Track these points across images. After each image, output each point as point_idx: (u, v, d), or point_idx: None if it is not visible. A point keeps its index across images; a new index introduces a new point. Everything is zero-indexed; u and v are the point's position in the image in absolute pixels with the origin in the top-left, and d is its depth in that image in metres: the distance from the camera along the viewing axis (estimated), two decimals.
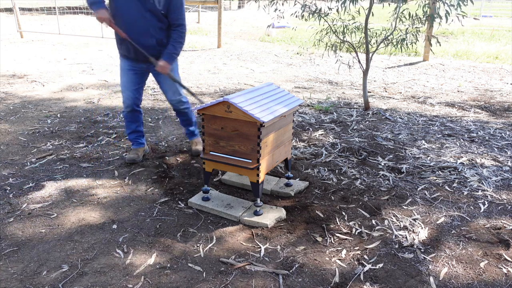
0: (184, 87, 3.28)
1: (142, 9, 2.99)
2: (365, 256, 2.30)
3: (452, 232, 2.54)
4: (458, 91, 6.22)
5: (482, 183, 3.17)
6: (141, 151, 3.53)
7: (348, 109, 5.11)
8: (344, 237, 2.48)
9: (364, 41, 4.92)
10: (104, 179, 3.18)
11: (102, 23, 3.01)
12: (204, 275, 2.13)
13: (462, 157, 3.66)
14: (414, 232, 2.53)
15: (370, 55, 4.94)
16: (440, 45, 4.65)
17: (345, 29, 5.01)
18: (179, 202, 2.86)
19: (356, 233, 2.52)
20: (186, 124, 3.59)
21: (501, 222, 2.65)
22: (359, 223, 2.63)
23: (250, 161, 2.55)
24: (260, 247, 2.37)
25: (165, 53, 3.10)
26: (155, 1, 2.99)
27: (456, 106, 5.37)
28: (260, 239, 2.46)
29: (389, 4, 4.84)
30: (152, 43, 3.08)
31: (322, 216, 2.70)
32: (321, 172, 3.34)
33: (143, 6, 2.98)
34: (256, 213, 2.63)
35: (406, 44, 4.73)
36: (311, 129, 4.37)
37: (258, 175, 2.56)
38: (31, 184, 3.06)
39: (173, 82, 3.24)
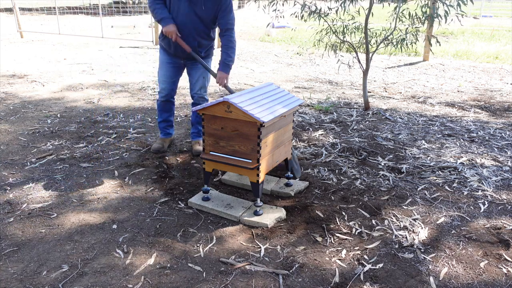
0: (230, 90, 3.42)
1: (192, 14, 3.18)
2: (365, 256, 2.30)
3: (452, 232, 2.54)
4: (458, 91, 6.22)
5: (482, 183, 3.16)
6: (168, 141, 3.74)
7: (348, 109, 5.11)
8: (344, 237, 2.48)
9: (364, 41, 4.92)
10: (104, 179, 3.18)
11: (170, 37, 3.20)
12: (204, 275, 2.13)
13: (462, 157, 3.66)
14: (414, 232, 2.53)
15: (370, 55, 4.94)
16: (440, 45, 4.65)
17: (345, 29, 5.01)
18: (179, 202, 2.86)
19: (356, 233, 2.52)
20: (197, 122, 3.69)
21: (501, 222, 2.65)
22: (359, 223, 2.63)
23: (250, 161, 2.55)
24: (260, 247, 2.37)
25: (221, 63, 3.29)
26: (204, 6, 3.15)
27: (456, 106, 5.37)
28: (260, 239, 2.46)
29: (389, 4, 4.84)
30: (193, 45, 3.29)
31: (322, 216, 2.70)
32: (321, 172, 3.34)
33: (192, 11, 3.17)
34: (256, 213, 2.63)
35: (406, 44, 4.73)
36: (311, 129, 4.37)
37: (258, 175, 2.56)
38: (31, 184, 3.06)
39: (203, 79, 3.50)
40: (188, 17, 3.19)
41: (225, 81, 3.32)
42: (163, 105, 3.63)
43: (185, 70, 3.56)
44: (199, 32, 3.27)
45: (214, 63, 3.45)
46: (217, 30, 3.48)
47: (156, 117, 3.65)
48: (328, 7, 4.88)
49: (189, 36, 3.26)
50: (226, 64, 3.30)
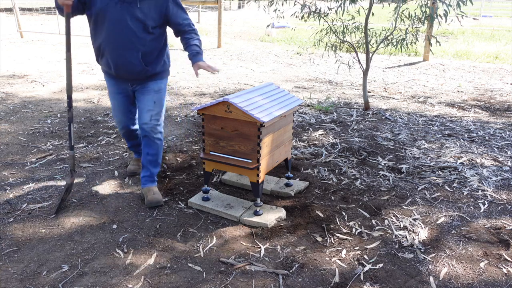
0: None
1: (128, 17, 2.58)
2: (365, 256, 2.30)
3: (452, 232, 2.54)
4: (458, 91, 6.22)
5: (482, 183, 3.16)
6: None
7: (348, 109, 5.11)
8: (344, 237, 2.48)
9: (364, 41, 4.92)
10: (104, 179, 3.18)
11: (65, 8, 2.53)
12: (204, 275, 2.13)
13: (462, 157, 3.66)
14: (414, 232, 2.53)
15: (370, 55, 4.94)
16: (440, 45, 4.65)
17: (345, 29, 5.01)
18: (179, 202, 2.86)
19: (356, 233, 2.52)
20: (150, 162, 2.88)
21: (501, 222, 2.65)
22: (359, 223, 2.63)
23: (250, 161, 2.55)
24: (260, 247, 2.37)
25: (193, 54, 2.73)
26: (145, 7, 2.60)
27: (456, 106, 5.37)
28: (260, 239, 2.46)
29: (389, 4, 4.84)
30: (135, 58, 2.67)
31: (322, 216, 2.70)
32: (321, 172, 3.34)
33: (128, 13, 2.58)
34: (256, 213, 2.63)
35: (406, 44, 4.73)
36: (311, 129, 4.37)
37: (258, 175, 2.56)
38: (31, 184, 3.06)
39: (155, 104, 2.82)
40: (124, 21, 2.58)
41: (207, 66, 2.69)
42: (127, 135, 3.09)
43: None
44: (142, 41, 2.64)
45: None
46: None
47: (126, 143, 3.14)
48: (328, 7, 4.88)
49: (128, 47, 2.63)
50: (199, 53, 2.74)
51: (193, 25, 2.84)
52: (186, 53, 2.79)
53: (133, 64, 2.69)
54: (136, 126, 3.07)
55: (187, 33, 2.79)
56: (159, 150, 2.91)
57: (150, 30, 2.65)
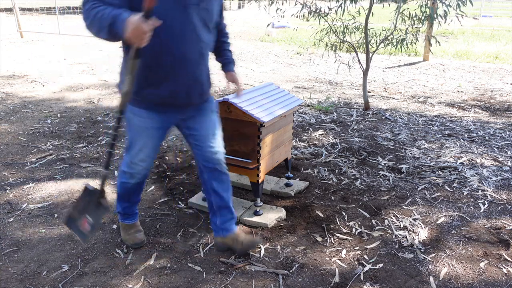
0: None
1: (196, 21, 1.86)
2: (365, 256, 2.30)
3: (452, 232, 2.54)
4: (458, 91, 6.22)
5: (482, 183, 3.16)
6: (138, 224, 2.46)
7: (348, 109, 5.11)
8: (344, 237, 2.48)
9: (364, 41, 4.92)
10: None
11: (143, 38, 1.60)
12: (204, 275, 2.13)
13: (462, 157, 3.66)
14: (414, 232, 2.53)
15: (370, 55, 4.94)
16: (440, 45, 4.65)
17: (345, 29, 5.01)
18: (179, 202, 2.86)
19: (356, 233, 2.52)
20: (223, 201, 2.23)
21: (501, 222, 2.65)
22: (359, 223, 2.63)
23: (250, 161, 2.55)
24: (260, 247, 2.37)
25: (229, 62, 2.28)
26: (209, 4, 1.90)
27: (456, 106, 5.37)
28: (260, 239, 2.45)
29: (389, 4, 4.84)
30: (204, 75, 2.03)
31: (322, 216, 2.70)
32: (321, 172, 3.34)
33: (197, 16, 1.85)
34: (256, 213, 2.63)
35: (406, 44, 4.73)
36: (311, 129, 4.37)
37: (258, 175, 2.56)
38: (31, 184, 3.06)
39: (218, 127, 2.19)
40: (191, 28, 1.86)
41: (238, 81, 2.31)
42: (136, 187, 2.27)
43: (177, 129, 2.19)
44: (206, 56, 2.00)
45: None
46: None
47: (116, 200, 2.39)
48: (328, 7, 4.88)
49: (198, 63, 1.95)
50: (233, 63, 2.32)
51: None
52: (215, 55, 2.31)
53: (202, 83, 2.02)
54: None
55: (224, 36, 2.28)
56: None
57: (212, 34, 2.02)
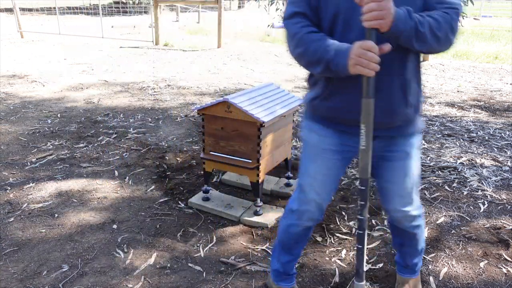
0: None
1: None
2: (365, 256, 2.30)
3: (452, 232, 2.54)
4: (458, 91, 6.22)
5: (482, 183, 3.17)
6: None
7: None
8: (344, 237, 2.48)
9: None
10: (104, 179, 3.18)
11: (371, 68, 1.31)
12: (204, 275, 2.13)
13: (462, 157, 3.66)
14: None
15: None
16: None
17: None
18: (179, 202, 2.87)
19: (356, 233, 2.52)
20: (408, 253, 1.90)
21: (501, 222, 2.65)
22: None
23: (250, 161, 2.55)
24: (260, 247, 2.37)
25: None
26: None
27: (456, 106, 5.37)
28: (260, 239, 2.46)
29: None
30: (397, 105, 1.53)
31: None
32: None
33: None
34: (256, 213, 2.64)
35: None
36: None
37: (258, 175, 2.56)
38: (31, 184, 3.07)
39: (406, 181, 1.70)
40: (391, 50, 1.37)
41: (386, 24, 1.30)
42: (303, 233, 1.81)
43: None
44: (408, 69, 1.55)
45: None
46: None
47: (272, 254, 1.96)
48: None
49: (397, 94, 1.50)
50: (408, 15, 1.33)
51: None
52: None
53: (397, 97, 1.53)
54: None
55: None
56: (419, 236, 1.87)
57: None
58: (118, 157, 3.58)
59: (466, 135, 4.22)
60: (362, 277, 1.55)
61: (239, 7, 24.53)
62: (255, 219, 2.60)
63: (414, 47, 1.39)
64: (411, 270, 1.95)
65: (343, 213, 2.74)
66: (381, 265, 2.23)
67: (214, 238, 2.46)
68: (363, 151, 1.45)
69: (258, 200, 2.64)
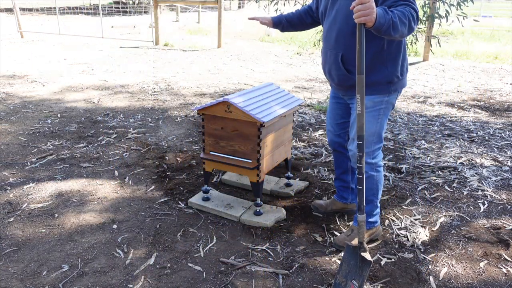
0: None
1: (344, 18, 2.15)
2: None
3: (452, 232, 2.54)
4: (458, 91, 6.22)
5: (482, 183, 3.17)
6: (339, 206, 2.72)
7: None
8: None
9: None
10: (104, 179, 3.18)
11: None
12: (204, 275, 2.13)
13: (462, 157, 3.66)
14: (414, 232, 2.53)
15: None
16: (440, 45, 4.65)
17: None
18: (179, 202, 2.87)
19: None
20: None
21: (501, 222, 2.65)
22: None
23: (250, 161, 2.55)
24: (260, 247, 2.37)
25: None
26: None
27: (456, 106, 5.37)
28: (260, 239, 2.46)
29: None
30: (333, 59, 2.24)
31: (322, 216, 2.70)
32: (321, 172, 3.34)
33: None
34: (256, 213, 2.63)
35: (406, 44, 4.73)
36: (311, 129, 4.37)
37: (258, 175, 2.56)
38: (31, 184, 3.07)
39: (353, 127, 2.29)
40: (342, 23, 2.16)
41: (361, 14, 1.74)
42: (334, 157, 2.64)
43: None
44: (344, 35, 2.14)
45: None
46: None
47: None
48: None
49: (334, 41, 2.21)
50: (385, 14, 1.80)
51: None
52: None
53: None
54: (344, 150, 2.55)
55: None
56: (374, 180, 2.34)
57: None
58: (118, 157, 3.58)
59: (466, 135, 4.22)
60: (363, 210, 1.98)
61: (239, 7, 24.53)
62: (255, 219, 2.60)
63: (391, 34, 1.85)
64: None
65: (343, 213, 2.74)
66: (381, 265, 2.23)
67: (214, 238, 2.46)
68: (359, 114, 1.86)
69: (258, 200, 2.64)
